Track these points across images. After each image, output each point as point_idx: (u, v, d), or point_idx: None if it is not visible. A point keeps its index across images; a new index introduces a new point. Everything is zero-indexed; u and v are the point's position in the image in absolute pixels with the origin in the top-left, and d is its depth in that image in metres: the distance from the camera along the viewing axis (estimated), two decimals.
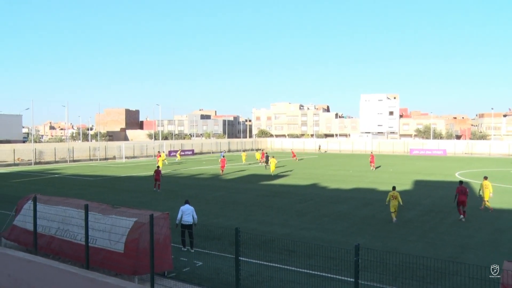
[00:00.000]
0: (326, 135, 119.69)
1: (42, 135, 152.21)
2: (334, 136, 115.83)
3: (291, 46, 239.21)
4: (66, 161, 52.07)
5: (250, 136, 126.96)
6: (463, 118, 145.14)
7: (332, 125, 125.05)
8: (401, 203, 17.88)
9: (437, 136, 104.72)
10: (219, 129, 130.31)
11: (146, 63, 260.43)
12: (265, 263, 11.69)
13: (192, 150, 69.35)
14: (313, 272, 10.77)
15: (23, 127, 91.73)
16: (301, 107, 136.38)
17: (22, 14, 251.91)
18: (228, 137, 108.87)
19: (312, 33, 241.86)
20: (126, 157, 57.39)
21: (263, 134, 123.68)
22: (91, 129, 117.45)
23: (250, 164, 49.50)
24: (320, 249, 11.53)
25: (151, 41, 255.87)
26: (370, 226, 17.00)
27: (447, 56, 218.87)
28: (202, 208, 20.46)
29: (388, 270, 10.31)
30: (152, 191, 26.37)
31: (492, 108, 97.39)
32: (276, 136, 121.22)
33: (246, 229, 14.01)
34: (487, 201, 20.01)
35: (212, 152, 73.23)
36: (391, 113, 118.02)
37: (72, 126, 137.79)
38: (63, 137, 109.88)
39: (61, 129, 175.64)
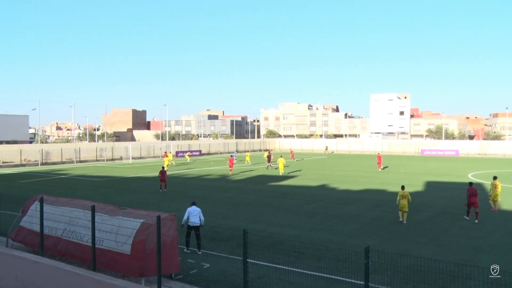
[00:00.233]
0: (336, 136, 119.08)
1: (49, 136, 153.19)
2: (344, 136, 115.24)
3: (299, 45, 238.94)
4: (72, 162, 52.31)
5: (258, 137, 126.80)
6: (476, 118, 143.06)
7: (342, 126, 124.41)
8: (410, 200, 17.85)
9: (449, 136, 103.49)
10: (227, 130, 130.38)
11: (153, 63, 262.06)
12: (273, 265, 11.55)
13: (200, 151, 69.41)
14: (323, 275, 10.59)
15: (29, 128, 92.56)
16: (310, 107, 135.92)
17: (29, 15, 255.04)
18: (236, 138, 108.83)
19: (321, 32, 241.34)
20: (133, 158, 57.53)
21: (271, 134, 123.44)
22: (98, 129, 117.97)
23: (254, 164, 49.40)
24: (329, 251, 11.36)
25: (159, 41, 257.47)
26: (380, 227, 16.75)
27: (460, 55, 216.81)
28: (210, 209, 20.37)
29: (399, 273, 10.12)
30: (158, 192, 26.33)
31: (506, 108, 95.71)
32: (285, 136, 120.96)
33: (254, 231, 13.88)
34: (493, 200, 19.87)
35: (220, 153, 73.22)
36: (401, 113, 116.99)
37: (79, 127, 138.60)
38: (69, 138, 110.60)
39: (68, 129, 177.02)
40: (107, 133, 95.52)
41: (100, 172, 40.83)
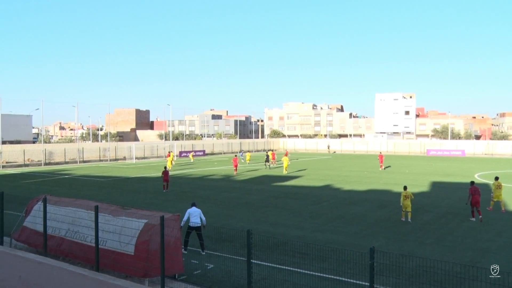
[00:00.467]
0: (340, 136, 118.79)
1: (52, 136, 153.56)
2: (348, 136, 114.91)
3: (304, 45, 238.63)
4: (76, 162, 52.39)
5: (262, 137, 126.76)
6: (483, 117, 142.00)
7: (346, 125, 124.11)
8: (413, 198, 17.95)
9: (455, 136, 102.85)
10: (231, 130, 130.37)
11: (157, 63, 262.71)
12: (277, 266, 11.47)
13: (203, 151, 69.36)
14: (327, 276, 10.50)
15: (33, 128, 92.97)
16: (314, 107, 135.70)
17: (32, 15, 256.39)
18: (240, 138, 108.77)
19: (326, 32, 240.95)
20: (136, 158, 57.47)
21: (276, 134, 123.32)
22: (101, 129, 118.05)
23: (252, 164, 49.39)
24: (334, 252, 11.26)
25: (162, 41, 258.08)
26: (385, 228, 16.63)
27: (466, 54, 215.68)
28: (214, 210, 20.32)
29: (404, 274, 10.01)
30: (162, 192, 26.30)
31: None
32: (289, 136, 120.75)
33: (258, 231, 13.80)
34: (496, 200, 19.85)
35: (224, 153, 73.18)
36: (407, 112, 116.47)
37: (82, 127, 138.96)
38: (73, 138, 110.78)
39: (71, 129, 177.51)
40: (110, 133, 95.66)
41: (103, 172, 40.89)
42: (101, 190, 28.13)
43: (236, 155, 44.11)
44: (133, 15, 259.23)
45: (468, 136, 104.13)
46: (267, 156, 44.92)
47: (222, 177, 35.57)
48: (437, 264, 9.68)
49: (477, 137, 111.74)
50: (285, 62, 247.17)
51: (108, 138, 73.87)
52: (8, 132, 63.48)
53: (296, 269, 11.15)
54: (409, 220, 17.54)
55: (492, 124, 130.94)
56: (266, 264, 11.35)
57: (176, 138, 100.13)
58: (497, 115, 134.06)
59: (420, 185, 29.47)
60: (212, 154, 71.64)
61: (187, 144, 71.45)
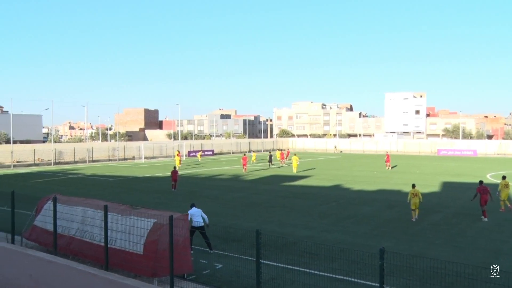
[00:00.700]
0: (349, 135, 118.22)
1: (62, 135, 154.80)
2: (358, 136, 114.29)
3: (313, 44, 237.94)
4: (85, 161, 52.79)
5: (271, 136, 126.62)
6: (495, 117, 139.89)
7: (356, 125, 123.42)
8: (421, 200, 17.89)
9: (467, 136, 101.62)
10: (240, 129, 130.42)
11: (166, 63, 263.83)
12: (286, 266, 11.43)
13: (212, 151, 69.48)
14: (336, 276, 10.43)
15: (43, 127, 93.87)
16: (324, 107, 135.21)
17: (42, 15, 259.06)
18: (249, 137, 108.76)
19: (335, 31, 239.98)
20: (145, 158, 57.77)
21: (285, 134, 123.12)
22: (110, 129, 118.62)
23: (258, 163, 49.36)
24: (343, 252, 11.19)
25: (171, 40, 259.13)
26: (395, 228, 16.49)
27: (477, 52, 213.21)
28: (222, 210, 20.34)
29: (414, 275, 9.91)
30: (170, 192, 26.39)
31: None
32: (298, 136, 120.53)
33: (266, 231, 13.75)
34: (504, 200, 19.75)
35: (233, 153, 73.24)
36: (417, 112, 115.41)
37: (91, 126, 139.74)
38: (82, 137, 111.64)
39: (81, 129, 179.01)
40: (119, 132, 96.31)
41: (112, 171, 41.15)
42: (110, 189, 28.31)
43: (245, 154, 44.26)
44: (143, 15, 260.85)
45: (480, 136, 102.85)
46: (270, 156, 45.18)
47: (231, 177, 35.59)
48: (448, 265, 9.53)
49: (489, 137, 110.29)
50: (294, 62, 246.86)
51: (117, 138, 74.41)
52: (18, 132, 64.21)
53: (305, 269, 11.09)
54: (416, 217, 17.61)
55: (505, 124, 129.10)
56: (275, 264, 11.31)
57: (185, 137, 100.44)
58: (510, 114, 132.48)
59: (430, 185, 29.19)
60: (221, 153, 71.72)
61: (196, 144, 71.62)
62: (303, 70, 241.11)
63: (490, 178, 34.02)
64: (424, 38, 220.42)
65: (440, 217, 18.68)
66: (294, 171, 38.19)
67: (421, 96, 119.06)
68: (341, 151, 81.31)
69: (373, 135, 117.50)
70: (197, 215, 12.94)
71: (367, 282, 9.81)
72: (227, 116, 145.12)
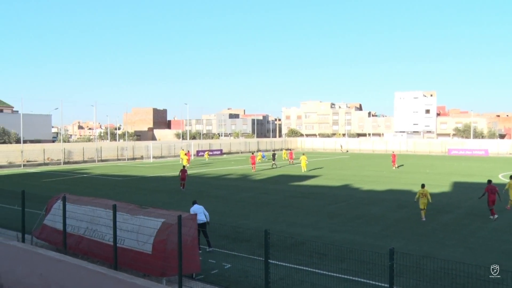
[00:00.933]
0: (359, 135, 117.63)
1: (71, 135, 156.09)
2: (367, 135, 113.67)
3: (322, 43, 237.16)
4: (94, 161, 53.12)
5: (280, 136, 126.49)
6: (507, 116, 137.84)
7: (365, 124, 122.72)
8: (430, 201, 17.82)
9: (478, 135, 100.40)
10: (248, 129, 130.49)
11: (175, 62, 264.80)
12: (295, 266, 11.39)
13: (221, 150, 69.56)
14: (345, 277, 10.35)
15: (52, 127, 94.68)
16: (333, 106, 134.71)
17: (50, 15, 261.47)
18: (257, 137, 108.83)
19: (344, 30, 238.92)
20: (153, 157, 57.95)
21: (293, 133, 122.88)
22: (119, 128, 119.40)
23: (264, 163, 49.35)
24: (352, 252, 11.10)
25: (180, 40, 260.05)
26: (404, 229, 16.34)
27: (488, 51, 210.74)
28: (231, 209, 20.34)
29: (425, 276, 9.80)
30: (179, 191, 26.45)
31: None
32: (307, 135, 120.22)
33: (275, 231, 13.68)
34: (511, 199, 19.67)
35: (241, 152, 73.25)
36: (427, 111, 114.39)
37: (100, 126, 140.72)
38: (91, 137, 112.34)
39: (89, 128, 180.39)
40: (128, 132, 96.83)
41: (121, 171, 41.37)
42: (119, 189, 28.47)
43: (253, 153, 44.34)
44: (152, 14, 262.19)
45: (491, 135, 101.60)
46: (273, 155, 45.40)
47: (239, 177, 35.59)
48: (459, 266, 9.40)
49: (502, 136, 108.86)
50: (302, 61, 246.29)
51: (126, 137, 74.76)
52: (28, 132, 64.83)
53: (314, 270, 11.04)
54: (423, 218, 17.53)
55: None
56: (283, 264, 11.26)
57: (193, 137, 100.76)
58: None
59: (441, 185, 28.90)
60: (229, 153, 71.79)
61: (204, 143, 71.76)
62: (312, 70, 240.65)
63: (502, 178, 33.57)
64: (434, 37, 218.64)
65: (451, 217, 18.48)
66: (303, 170, 38.10)
67: (431, 95, 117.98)
68: (347, 151, 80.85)
69: (383, 134, 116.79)
70: (199, 212, 12.94)
71: (377, 283, 9.73)
72: (236, 116, 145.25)
